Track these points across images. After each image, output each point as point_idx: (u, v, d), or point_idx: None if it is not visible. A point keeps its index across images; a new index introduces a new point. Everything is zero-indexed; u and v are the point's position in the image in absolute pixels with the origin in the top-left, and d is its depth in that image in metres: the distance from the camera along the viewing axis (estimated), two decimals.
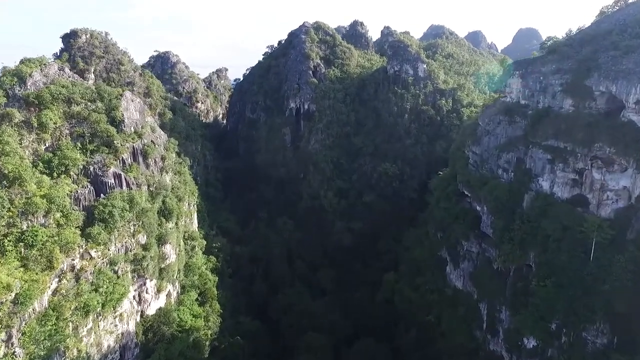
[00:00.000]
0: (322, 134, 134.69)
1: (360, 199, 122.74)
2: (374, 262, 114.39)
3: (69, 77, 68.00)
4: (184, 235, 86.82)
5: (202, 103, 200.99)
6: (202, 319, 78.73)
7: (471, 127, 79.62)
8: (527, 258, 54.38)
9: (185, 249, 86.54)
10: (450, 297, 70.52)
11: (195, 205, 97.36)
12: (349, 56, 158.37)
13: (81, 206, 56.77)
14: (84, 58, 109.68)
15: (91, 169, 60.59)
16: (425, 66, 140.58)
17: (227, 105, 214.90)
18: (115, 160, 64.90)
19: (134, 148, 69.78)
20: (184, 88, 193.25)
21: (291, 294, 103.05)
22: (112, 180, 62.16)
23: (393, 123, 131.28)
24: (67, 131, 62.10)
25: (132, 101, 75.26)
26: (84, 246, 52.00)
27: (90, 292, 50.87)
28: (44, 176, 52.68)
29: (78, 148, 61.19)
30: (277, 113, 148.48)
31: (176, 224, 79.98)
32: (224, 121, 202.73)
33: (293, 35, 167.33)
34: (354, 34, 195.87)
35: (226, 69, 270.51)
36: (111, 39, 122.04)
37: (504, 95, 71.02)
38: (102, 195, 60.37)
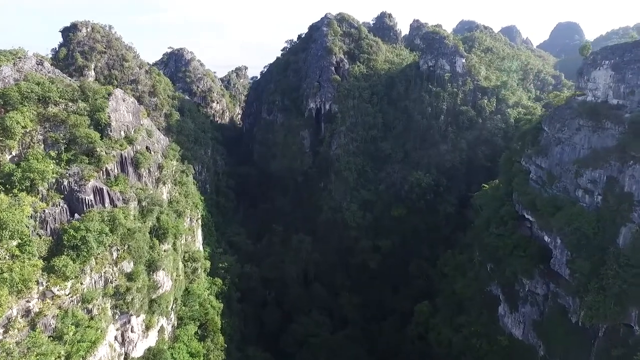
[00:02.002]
0: (345, 137, 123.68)
1: (388, 213, 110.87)
2: (404, 288, 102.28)
3: (49, 72, 59.83)
4: (184, 257, 77.58)
5: (217, 103, 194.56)
6: (202, 358, 69.02)
7: (531, 133, 66.48)
8: (626, 316, 41.39)
9: (185, 273, 77.25)
10: (505, 347, 57.70)
11: (200, 220, 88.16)
12: (376, 50, 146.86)
13: (49, 230, 47.89)
14: (84, 54, 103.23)
15: (65, 182, 51.83)
16: (464, 61, 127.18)
17: (244, 105, 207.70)
18: (97, 172, 56.02)
19: (122, 156, 60.91)
20: (198, 87, 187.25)
21: (308, 324, 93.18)
22: (91, 197, 53.16)
23: (427, 126, 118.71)
24: (41, 137, 53.59)
25: (124, 101, 66.58)
26: (44, 283, 42.83)
27: (50, 343, 41.51)
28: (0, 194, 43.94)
29: (51, 157, 52.48)
30: (295, 114, 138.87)
31: (173, 244, 70.73)
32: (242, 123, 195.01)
33: (314, 28, 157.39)
34: (381, 26, 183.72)
35: (246, 68, 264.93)
36: (115, 32, 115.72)
37: (582, 92, 57.66)
38: (77, 215, 51.43)
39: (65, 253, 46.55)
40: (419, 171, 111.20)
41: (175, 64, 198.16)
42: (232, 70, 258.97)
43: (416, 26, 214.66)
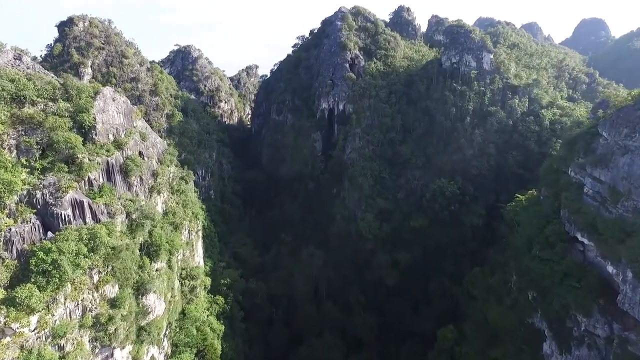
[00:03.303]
0: (361, 140, 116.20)
1: (407, 224, 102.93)
2: (425, 308, 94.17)
3: (27, 68, 54.00)
4: (181, 274, 71.23)
5: (225, 103, 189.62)
6: None
7: (583, 139, 57.86)
8: None
9: (182, 292, 70.80)
10: None
11: (201, 232, 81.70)
12: (394, 46, 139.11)
13: (15, 252, 41.70)
14: (80, 49, 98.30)
15: (39, 195, 45.67)
16: (492, 57, 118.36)
17: (253, 105, 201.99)
18: (78, 182, 49.76)
19: (108, 163, 54.60)
20: (205, 86, 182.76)
21: (318, 346, 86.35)
22: (69, 211, 46.89)
23: (450, 128, 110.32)
24: (14, 142, 47.52)
25: (114, 100, 60.38)
26: (1, 319, 36.44)
27: None
28: None
29: (23, 166, 46.37)
30: (306, 115, 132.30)
31: (168, 261, 64.30)
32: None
33: (327, 22, 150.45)
34: (399, 21, 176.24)
35: (256, 66, 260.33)
36: (115, 27, 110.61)
37: None
38: (51, 233, 45.20)
39: (32, 280, 40.28)
40: (442, 178, 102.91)
41: (182, 62, 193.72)
42: (243, 69, 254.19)
43: (435, 22, 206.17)
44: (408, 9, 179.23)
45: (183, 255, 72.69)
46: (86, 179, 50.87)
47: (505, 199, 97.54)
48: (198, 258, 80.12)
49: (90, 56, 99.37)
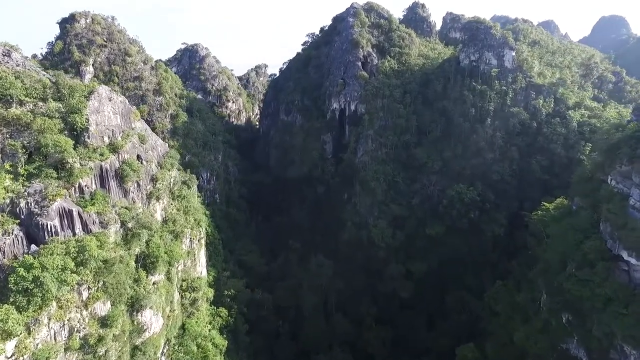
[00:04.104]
0: (373, 142, 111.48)
1: (422, 232, 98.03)
2: (442, 323, 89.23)
3: (17, 65, 50.75)
4: (181, 286, 67.53)
5: (233, 102, 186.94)
6: None
7: (627, 144, 52.30)
8: None
9: (183, 305, 67.09)
10: None
11: (204, 240, 78.00)
12: (409, 43, 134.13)
13: None
14: (81, 47, 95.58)
15: (23, 204, 42.25)
16: (514, 54, 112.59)
17: (261, 105, 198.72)
18: (67, 189, 46.32)
19: (102, 168, 51.14)
20: (212, 85, 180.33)
21: None
22: (56, 221, 43.40)
23: (469, 130, 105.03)
24: None
25: (110, 100, 56.97)
26: None
27: None
28: None
29: (6, 171, 43.06)
30: (316, 115, 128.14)
31: (167, 272, 60.69)
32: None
33: (338, 19, 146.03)
34: (414, 18, 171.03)
35: (266, 65, 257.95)
36: (118, 24, 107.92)
37: None
38: (35, 246, 41.73)
39: (10, 300, 36.72)
40: (460, 183, 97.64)
41: (189, 61, 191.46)
42: (252, 69, 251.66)
43: (450, 19, 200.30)
44: (423, 5, 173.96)
45: (184, 266, 69.04)
46: (77, 185, 47.55)
47: (529, 207, 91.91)
48: (200, 268, 76.41)
49: (92, 54, 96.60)
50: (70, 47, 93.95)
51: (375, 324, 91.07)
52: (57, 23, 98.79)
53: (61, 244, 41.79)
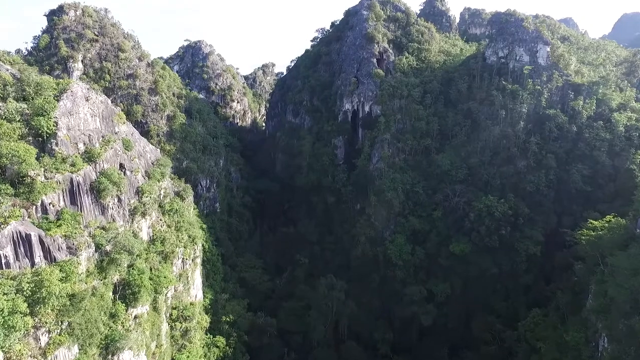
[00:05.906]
0: (390, 148, 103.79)
1: (445, 249, 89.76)
2: (468, 353, 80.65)
3: None
4: (171, 315, 60.00)
5: (237, 102, 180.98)
6: None
7: None
8: None
9: (173, 338, 59.62)
10: None
11: (200, 259, 70.65)
12: (429, 39, 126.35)
13: None
14: (70, 41, 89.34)
15: None
16: (548, 49, 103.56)
17: (267, 106, 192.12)
18: (27, 208, 39.11)
19: (72, 182, 43.83)
20: (216, 84, 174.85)
21: None
22: (8, 249, 36.22)
23: (499, 135, 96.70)
24: None
25: (87, 100, 49.89)
26: None
27: None
28: None
29: None
30: (326, 117, 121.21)
31: (153, 301, 53.25)
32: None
33: (351, 13, 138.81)
34: (432, 11, 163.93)
35: (273, 64, 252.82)
36: (112, 17, 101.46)
37: None
38: None
39: None
40: (489, 195, 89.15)
41: (192, 59, 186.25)
42: (259, 67, 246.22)
43: (469, 14, 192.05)
44: None
45: (175, 291, 61.76)
46: (39, 203, 40.27)
47: (569, 223, 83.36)
48: (195, 290, 69.04)
49: (82, 49, 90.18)
50: (58, 41, 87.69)
51: (391, 354, 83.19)
52: (45, 15, 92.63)
53: (11, 279, 34.52)
